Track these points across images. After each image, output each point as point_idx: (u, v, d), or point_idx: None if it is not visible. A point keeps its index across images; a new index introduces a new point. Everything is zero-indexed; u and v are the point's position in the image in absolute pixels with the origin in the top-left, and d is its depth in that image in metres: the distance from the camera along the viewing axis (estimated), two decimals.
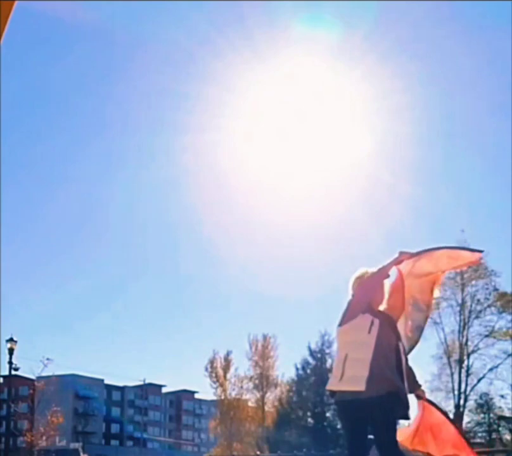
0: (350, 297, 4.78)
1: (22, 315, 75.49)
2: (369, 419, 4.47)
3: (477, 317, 36.23)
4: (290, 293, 67.91)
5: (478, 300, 35.89)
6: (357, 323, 4.54)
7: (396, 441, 4.52)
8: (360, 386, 4.36)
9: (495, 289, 35.50)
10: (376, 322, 4.54)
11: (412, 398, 4.76)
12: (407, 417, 4.61)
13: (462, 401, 36.40)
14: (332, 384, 4.57)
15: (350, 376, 4.43)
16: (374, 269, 4.82)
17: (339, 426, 42.59)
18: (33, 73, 64.71)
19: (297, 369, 46.28)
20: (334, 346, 44.87)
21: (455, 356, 36.36)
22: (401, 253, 4.78)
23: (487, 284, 35.52)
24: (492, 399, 37.53)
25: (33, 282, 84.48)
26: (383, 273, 4.73)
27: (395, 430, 4.53)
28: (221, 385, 47.84)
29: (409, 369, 4.74)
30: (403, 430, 4.85)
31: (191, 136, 50.96)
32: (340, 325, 4.65)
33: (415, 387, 4.79)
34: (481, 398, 37.59)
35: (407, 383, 4.64)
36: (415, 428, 4.83)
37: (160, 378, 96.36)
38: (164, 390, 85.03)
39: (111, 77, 68.08)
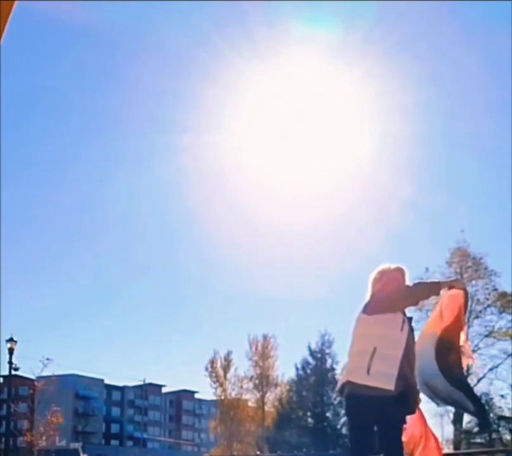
0: (369, 290, 4.67)
1: (22, 315, 75.55)
2: (379, 416, 4.42)
3: (477, 317, 36.19)
4: (290, 293, 67.94)
5: (478, 300, 35.83)
6: (390, 319, 4.45)
7: (401, 442, 4.50)
8: (390, 385, 4.28)
9: (495, 289, 35.47)
10: (406, 320, 4.51)
11: None
12: (405, 421, 4.59)
13: None
14: (359, 377, 4.40)
15: (379, 372, 4.32)
16: (398, 265, 4.75)
17: (339, 426, 42.62)
18: (33, 73, 64.73)
19: (297, 369, 46.24)
20: (335, 345, 44.58)
21: None
22: (457, 280, 4.91)
23: (487, 284, 35.48)
24: (492, 399, 37.48)
25: (33, 282, 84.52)
26: (436, 288, 4.63)
27: (401, 431, 4.50)
28: (221, 385, 47.84)
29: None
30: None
31: (191, 136, 50.98)
32: (366, 312, 4.53)
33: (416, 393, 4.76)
34: (481, 398, 37.53)
35: None
36: (414, 434, 4.82)
37: (159, 378, 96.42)
38: (164, 390, 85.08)
39: (111, 77, 68.13)
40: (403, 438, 4.60)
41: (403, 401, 4.38)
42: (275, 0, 38.75)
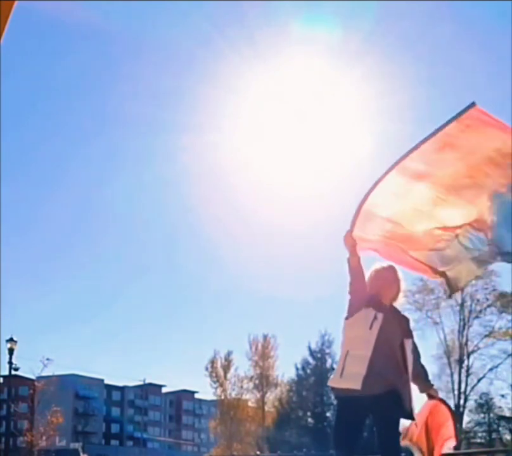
0: None
1: (22, 315, 75.57)
2: (366, 418, 4.44)
3: (477, 317, 36.24)
4: (290, 293, 67.92)
5: (478, 300, 35.89)
6: (360, 318, 4.43)
7: (396, 442, 4.46)
8: (357, 385, 4.27)
9: (495, 289, 35.51)
10: (380, 316, 4.41)
11: (421, 397, 4.68)
12: (410, 417, 4.50)
13: (462, 401, 36.42)
14: (333, 380, 4.49)
15: (349, 373, 4.35)
16: (389, 263, 4.67)
17: None
18: (33, 73, 64.74)
19: (297, 369, 46.31)
20: (335, 345, 44.72)
21: (455, 356, 36.37)
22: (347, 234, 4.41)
23: (487, 284, 35.52)
24: (492, 399, 37.56)
25: (34, 282, 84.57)
26: (348, 258, 4.47)
27: (395, 430, 4.45)
28: (221, 385, 47.85)
29: (421, 367, 4.65)
30: (411, 427, 4.76)
31: (191, 136, 51.03)
32: (346, 317, 4.55)
33: (426, 386, 4.69)
34: (481, 398, 37.61)
35: (417, 382, 4.57)
36: (421, 425, 4.76)
37: (159, 378, 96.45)
38: (164, 390, 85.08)
39: (110, 77, 68.10)
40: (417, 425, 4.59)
41: (390, 401, 4.32)
42: (275, 0, 38.81)
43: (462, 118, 3.95)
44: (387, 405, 4.32)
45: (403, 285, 4.69)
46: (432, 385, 4.77)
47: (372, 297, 4.56)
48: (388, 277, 4.63)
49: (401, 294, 4.68)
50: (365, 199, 4.37)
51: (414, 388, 4.58)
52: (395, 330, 4.45)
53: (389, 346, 4.39)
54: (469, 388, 36.52)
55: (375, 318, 4.40)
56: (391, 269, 4.68)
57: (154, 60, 58.17)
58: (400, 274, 4.69)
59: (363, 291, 4.53)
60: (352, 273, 4.52)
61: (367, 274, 4.67)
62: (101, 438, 79.03)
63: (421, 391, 4.65)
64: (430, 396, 4.73)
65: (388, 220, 4.46)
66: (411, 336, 4.58)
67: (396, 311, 4.61)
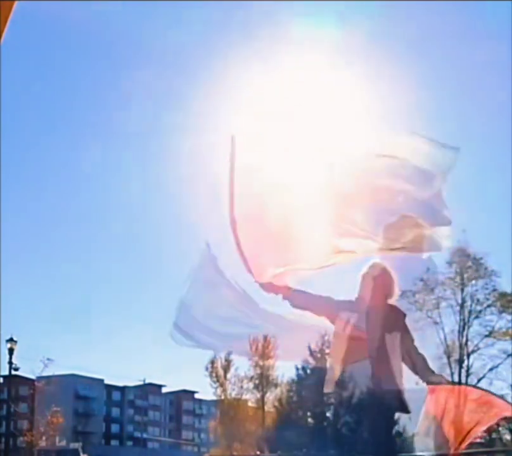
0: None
1: (22, 315, 75.57)
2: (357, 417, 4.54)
3: (477, 317, 36.16)
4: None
5: (478, 300, 35.82)
6: (337, 323, 4.52)
7: (388, 439, 4.50)
8: (329, 388, 4.55)
9: (495, 289, 35.44)
10: (353, 317, 4.46)
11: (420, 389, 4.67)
12: (402, 411, 4.49)
13: None
14: (324, 386, 4.69)
15: (329, 377, 4.60)
16: (373, 262, 4.65)
17: (339, 426, 42.64)
18: (32, 73, 64.71)
19: (297, 369, 46.16)
20: None
21: (455, 356, 36.29)
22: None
23: (487, 284, 35.44)
24: None
25: (34, 281, 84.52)
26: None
27: (385, 428, 4.49)
28: (221, 385, 47.78)
29: (418, 357, 4.62)
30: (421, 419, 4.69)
31: (189, 138, 51.01)
32: None
33: (426, 375, 4.62)
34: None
35: (416, 373, 4.57)
36: (434, 414, 4.70)
37: (159, 378, 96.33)
38: (164, 390, 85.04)
39: (110, 77, 68.09)
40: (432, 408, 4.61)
41: (377, 397, 4.37)
42: (275, 0, 38.84)
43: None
44: (371, 403, 4.41)
45: (390, 281, 4.61)
46: (432, 372, 4.68)
47: (357, 298, 4.59)
48: (367, 275, 4.63)
49: (395, 289, 4.62)
50: (243, 259, 4.53)
51: (413, 383, 4.60)
52: (375, 327, 4.44)
53: (363, 347, 4.41)
54: None
55: (347, 321, 4.46)
56: (374, 267, 4.65)
57: (154, 60, 57.99)
58: (386, 271, 4.61)
59: (321, 308, 4.64)
60: (296, 305, 4.79)
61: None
62: (101, 438, 78.99)
63: (423, 380, 4.61)
64: (434, 383, 4.63)
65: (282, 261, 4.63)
66: (399, 330, 4.52)
67: (384, 308, 4.56)
